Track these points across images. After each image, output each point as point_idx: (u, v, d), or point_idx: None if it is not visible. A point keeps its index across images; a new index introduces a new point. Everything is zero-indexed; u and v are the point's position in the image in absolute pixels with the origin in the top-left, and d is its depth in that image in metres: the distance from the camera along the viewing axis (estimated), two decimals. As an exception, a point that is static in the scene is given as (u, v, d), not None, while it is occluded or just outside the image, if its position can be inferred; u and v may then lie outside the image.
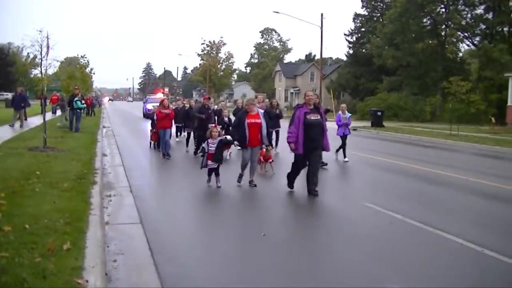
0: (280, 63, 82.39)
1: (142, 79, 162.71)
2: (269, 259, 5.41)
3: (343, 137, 13.96)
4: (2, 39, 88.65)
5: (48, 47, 13.43)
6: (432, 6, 45.28)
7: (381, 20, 55.49)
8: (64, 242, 4.76)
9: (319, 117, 8.77)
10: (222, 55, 71.45)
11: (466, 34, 46.32)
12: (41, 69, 14.75)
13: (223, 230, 6.75)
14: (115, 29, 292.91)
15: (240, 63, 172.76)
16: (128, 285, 4.49)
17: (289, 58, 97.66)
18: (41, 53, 13.62)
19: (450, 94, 29.48)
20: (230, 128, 11.85)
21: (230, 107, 36.46)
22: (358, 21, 59.76)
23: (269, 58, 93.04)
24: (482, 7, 43.45)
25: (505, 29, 42.49)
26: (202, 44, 71.11)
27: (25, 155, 11.32)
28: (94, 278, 4.09)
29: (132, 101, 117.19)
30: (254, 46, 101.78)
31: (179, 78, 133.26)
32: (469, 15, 45.18)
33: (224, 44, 71.41)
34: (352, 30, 60.14)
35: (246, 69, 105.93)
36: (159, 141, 14.60)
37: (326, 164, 12.16)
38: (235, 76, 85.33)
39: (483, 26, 44.26)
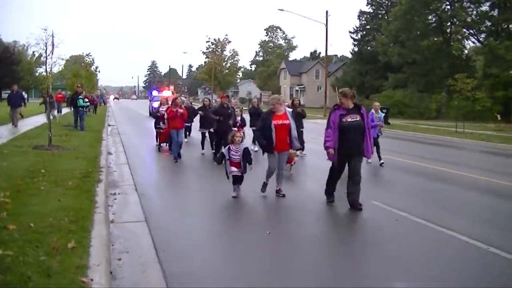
0: (285, 60, 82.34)
1: (147, 77, 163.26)
2: (275, 258, 5.40)
3: (375, 139, 12.02)
4: (7, 38, 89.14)
5: (53, 45, 13.43)
6: (437, 3, 45.15)
7: (386, 17, 55.43)
8: (69, 241, 4.75)
9: (358, 118, 7.63)
10: (227, 52, 71.34)
11: (471, 31, 46.17)
12: (46, 67, 14.74)
13: (229, 229, 6.74)
14: (120, 27, 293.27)
15: (245, 61, 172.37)
16: (133, 284, 4.47)
17: (294, 55, 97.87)
18: (46, 51, 13.62)
19: (455, 91, 29.34)
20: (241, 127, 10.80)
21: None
22: (363, 19, 59.72)
23: (274, 55, 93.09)
24: (488, 4, 43.31)
25: (511, 26, 42.22)
26: (207, 42, 70.98)
27: (30, 154, 11.35)
28: (99, 276, 4.07)
29: (136, 99, 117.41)
30: (259, 44, 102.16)
31: (184, 76, 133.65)
32: (474, 12, 45.05)
33: (229, 41, 71.23)
34: (357, 27, 60.15)
35: (251, 67, 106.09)
36: (168, 142, 13.89)
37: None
38: (240, 74, 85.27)
39: (489, 23, 44.08)
